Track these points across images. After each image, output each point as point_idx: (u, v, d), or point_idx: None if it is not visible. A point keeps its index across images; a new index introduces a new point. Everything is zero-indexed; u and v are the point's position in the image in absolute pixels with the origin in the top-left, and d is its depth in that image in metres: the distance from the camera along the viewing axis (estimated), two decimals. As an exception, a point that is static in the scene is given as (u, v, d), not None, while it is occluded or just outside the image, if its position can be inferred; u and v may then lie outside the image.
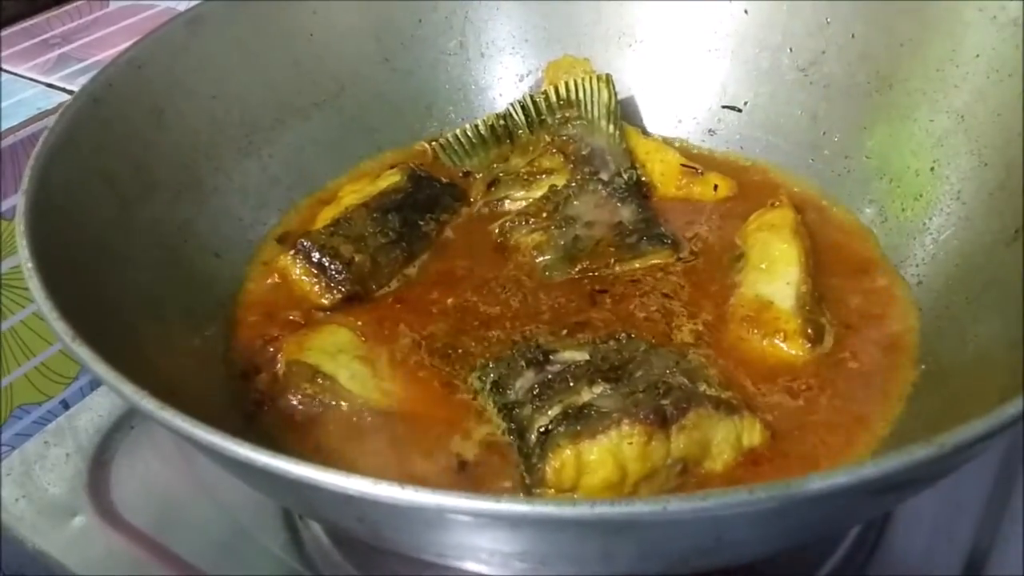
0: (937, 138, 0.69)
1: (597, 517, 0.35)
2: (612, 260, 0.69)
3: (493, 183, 0.76)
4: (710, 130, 0.81)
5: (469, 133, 0.80)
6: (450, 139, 0.80)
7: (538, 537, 0.40)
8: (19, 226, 0.51)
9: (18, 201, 0.53)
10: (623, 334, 0.61)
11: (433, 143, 0.81)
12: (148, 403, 0.41)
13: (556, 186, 0.73)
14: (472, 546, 0.42)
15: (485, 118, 0.80)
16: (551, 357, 0.59)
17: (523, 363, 0.58)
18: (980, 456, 0.44)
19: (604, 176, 0.74)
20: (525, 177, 0.76)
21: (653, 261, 0.69)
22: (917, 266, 0.67)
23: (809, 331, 0.62)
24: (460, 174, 0.79)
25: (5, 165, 0.77)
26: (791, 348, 0.62)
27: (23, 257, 0.49)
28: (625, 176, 0.74)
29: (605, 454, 0.51)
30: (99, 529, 0.63)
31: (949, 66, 0.69)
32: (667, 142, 0.81)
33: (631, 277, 0.68)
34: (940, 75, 0.69)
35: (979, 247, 0.63)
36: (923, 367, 0.61)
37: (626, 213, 0.71)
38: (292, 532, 0.62)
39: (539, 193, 0.74)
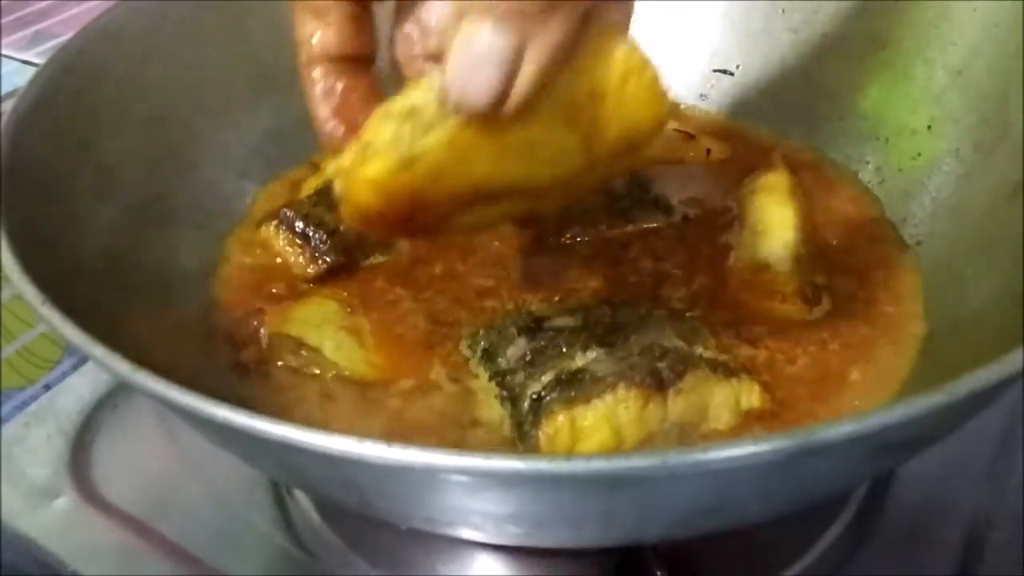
0: (934, 96, 0.68)
1: (593, 473, 0.34)
2: (604, 226, 0.67)
3: (481, 151, 0.74)
4: (702, 94, 0.80)
5: (456, 101, 0.78)
6: (437, 107, 0.79)
7: (532, 497, 0.38)
8: (-10, 198, 0.49)
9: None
10: (617, 299, 0.59)
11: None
12: (122, 365, 0.39)
13: (546, 153, 0.72)
14: (463, 509, 0.40)
15: (473, 85, 0.78)
16: (543, 324, 0.57)
17: (515, 330, 0.57)
18: (982, 415, 0.42)
19: (594, 142, 0.72)
20: (514, 144, 0.74)
21: (645, 226, 0.67)
22: (916, 226, 0.66)
23: (807, 293, 0.60)
24: (448, 143, 0.78)
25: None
26: (789, 310, 0.60)
27: (-6, 229, 0.47)
28: (616, 141, 0.72)
29: (600, 419, 0.50)
30: (81, 510, 0.61)
31: (944, 22, 0.67)
32: (658, 107, 0.79)
33: (623, 242, 0.66)
34: (936, 31, 0.68)
35: (978, 204, 0.62)
36: (925, 326, 0.59)
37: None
38: (281, 509, 0.61)
39: (529, 160, 0.72)
